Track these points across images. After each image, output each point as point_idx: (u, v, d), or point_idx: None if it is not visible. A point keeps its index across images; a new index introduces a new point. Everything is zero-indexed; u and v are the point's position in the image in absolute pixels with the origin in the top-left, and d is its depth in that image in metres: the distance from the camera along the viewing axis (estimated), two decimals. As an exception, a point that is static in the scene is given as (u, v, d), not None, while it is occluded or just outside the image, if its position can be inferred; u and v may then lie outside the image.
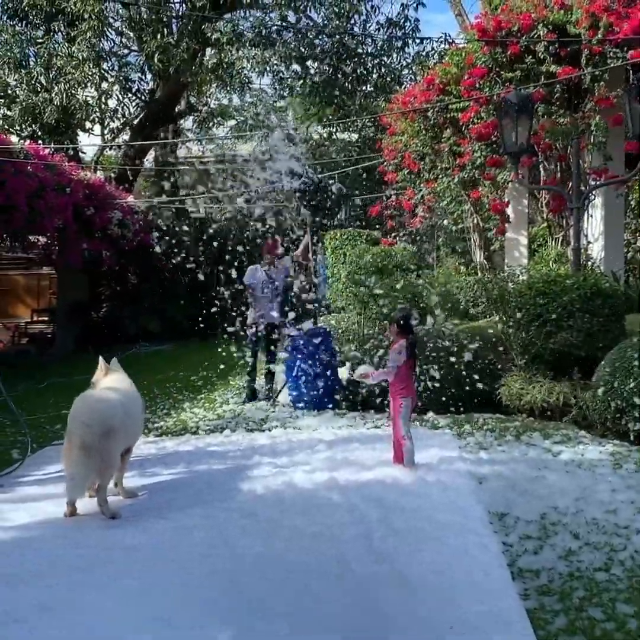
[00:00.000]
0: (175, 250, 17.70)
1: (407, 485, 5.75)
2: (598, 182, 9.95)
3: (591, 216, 11.17)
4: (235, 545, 4.67)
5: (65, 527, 5.19)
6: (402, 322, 6.15)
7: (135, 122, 22.14)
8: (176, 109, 22.93)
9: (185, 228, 18.60)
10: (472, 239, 14.96)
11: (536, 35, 10.42)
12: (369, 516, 5.12)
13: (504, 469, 6.28)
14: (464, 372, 8.87)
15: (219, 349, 10.01)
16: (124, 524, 5.17)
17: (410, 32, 24.13)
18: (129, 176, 21.14)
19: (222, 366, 11.05)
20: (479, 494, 5.61)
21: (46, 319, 19.51)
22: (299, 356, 9.40)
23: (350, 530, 4.88)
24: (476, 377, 8.89)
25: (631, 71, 9.78)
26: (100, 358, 6.38)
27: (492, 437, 7.53)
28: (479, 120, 11.14)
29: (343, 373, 9.12)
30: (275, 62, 21.88)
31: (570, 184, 9.35)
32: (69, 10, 18.79)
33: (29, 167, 12.57)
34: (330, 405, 9.22)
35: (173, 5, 22.21)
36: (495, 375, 9.08)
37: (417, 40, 23.74)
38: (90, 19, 18.34)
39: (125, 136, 22.93)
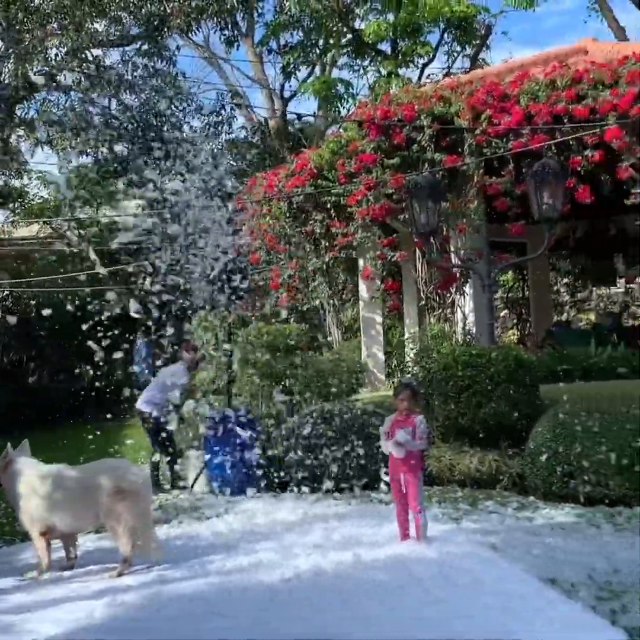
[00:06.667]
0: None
1: (441, 560, 5.61)
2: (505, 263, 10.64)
3: (467, 295, 11.80)
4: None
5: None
6: (416, 387, 6.11)
7: None
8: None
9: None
10: (328, 318, 15.23)
11: (420, 125, 11.07)
12: (434, 595, 4.92)
13: (504, 537, 6.31)
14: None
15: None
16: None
17: (228, 120, 24.97)
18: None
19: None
20: (511, 562, 5.58)
21: None
22: (222, 440, 9.03)
23: (428, 612, 4.67)
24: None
25: (510, 160, 10.62)
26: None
27: (450, 508, 7.58)
28: (368, 204, 11.48)
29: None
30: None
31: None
32: None
33: None
34: (255, 488, 8.86)
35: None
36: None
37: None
38: None
39: None
